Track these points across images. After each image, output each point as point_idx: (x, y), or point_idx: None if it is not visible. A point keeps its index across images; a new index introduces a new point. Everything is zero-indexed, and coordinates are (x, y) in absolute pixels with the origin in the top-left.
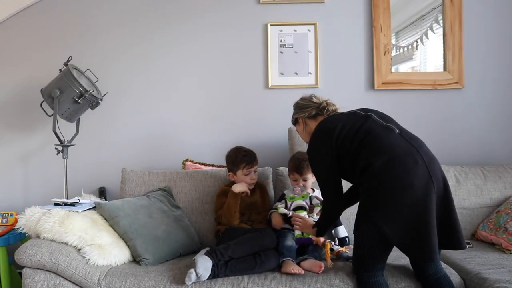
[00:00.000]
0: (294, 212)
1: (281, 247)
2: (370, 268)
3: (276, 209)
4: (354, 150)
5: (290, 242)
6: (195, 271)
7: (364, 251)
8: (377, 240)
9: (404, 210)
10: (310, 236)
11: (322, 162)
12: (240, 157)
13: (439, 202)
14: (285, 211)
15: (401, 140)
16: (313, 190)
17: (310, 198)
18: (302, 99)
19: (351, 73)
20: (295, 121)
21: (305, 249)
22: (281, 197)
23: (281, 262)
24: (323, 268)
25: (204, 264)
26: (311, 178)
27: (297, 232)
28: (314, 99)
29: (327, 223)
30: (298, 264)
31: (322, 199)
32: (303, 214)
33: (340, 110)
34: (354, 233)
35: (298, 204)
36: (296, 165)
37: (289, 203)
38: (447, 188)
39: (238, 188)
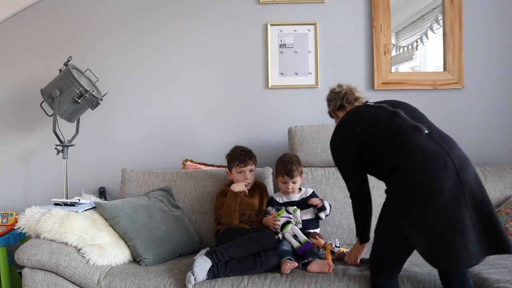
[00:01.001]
0: (283, 232)
1: (278, 251)
2: (388, 270)
3: (268, 213)
4: (380, 148)
5: (286, 247)
6: (192, 272)
7: (384, 253)
8: (399, 243)
9: (431, 216)
10: (310, 240)
11: (342, 158)
12: (235, 155)
13: (475, 207)
14: (277, 236)
15: (430, 141)
16: (300, 189)
17: (286, 210)
18: (329, 91)
19: (351, 73)
20: (330, 116)
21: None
22: (270, 201)
23: (280, 263)
24: (332, 266)
25: (201, 265)
26: (299, 181)
27: (296, 244)
28: (337, 89)
29: (361, 226)
30: (305, 269)
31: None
32: (290, 226)
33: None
34: (375, 233)
35: (281, 222)
36: (287, 169)
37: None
38: (483, 191)
39: (237, 187)
